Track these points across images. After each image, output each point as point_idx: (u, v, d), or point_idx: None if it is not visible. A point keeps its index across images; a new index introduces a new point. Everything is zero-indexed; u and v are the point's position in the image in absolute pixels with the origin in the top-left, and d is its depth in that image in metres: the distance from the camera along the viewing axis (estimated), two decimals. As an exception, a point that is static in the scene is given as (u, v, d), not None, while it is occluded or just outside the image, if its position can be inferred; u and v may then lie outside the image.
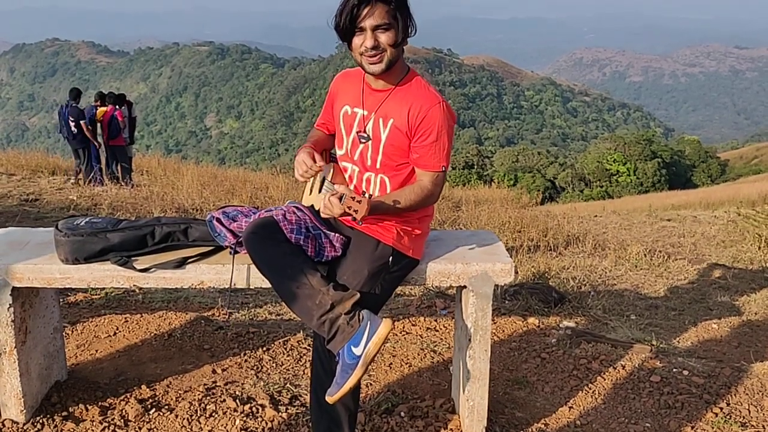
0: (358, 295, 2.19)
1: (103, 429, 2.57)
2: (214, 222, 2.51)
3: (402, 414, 2.75)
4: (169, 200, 8.72)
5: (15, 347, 2.49)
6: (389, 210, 2.23)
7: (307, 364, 3.21)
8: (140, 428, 2.59)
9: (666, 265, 6.44)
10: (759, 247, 7.40)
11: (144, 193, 9.45)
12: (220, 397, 2.81)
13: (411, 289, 4.65)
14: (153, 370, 3.07)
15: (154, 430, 2.59)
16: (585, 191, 44.99)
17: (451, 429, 2.68)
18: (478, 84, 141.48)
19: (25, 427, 2.54)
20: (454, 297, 3.26)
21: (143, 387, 2.89)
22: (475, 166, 47.90)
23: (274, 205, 8.11)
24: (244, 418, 2.66)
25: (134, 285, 2.47)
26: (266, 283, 2.32)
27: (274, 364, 3.21)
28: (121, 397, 2.80)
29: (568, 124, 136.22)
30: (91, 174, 10.92)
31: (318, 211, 2.30)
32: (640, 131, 71.18)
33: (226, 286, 2.45)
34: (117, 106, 11.35)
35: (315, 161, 2.26)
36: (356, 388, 2.29)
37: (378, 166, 2.32)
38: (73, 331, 3.45)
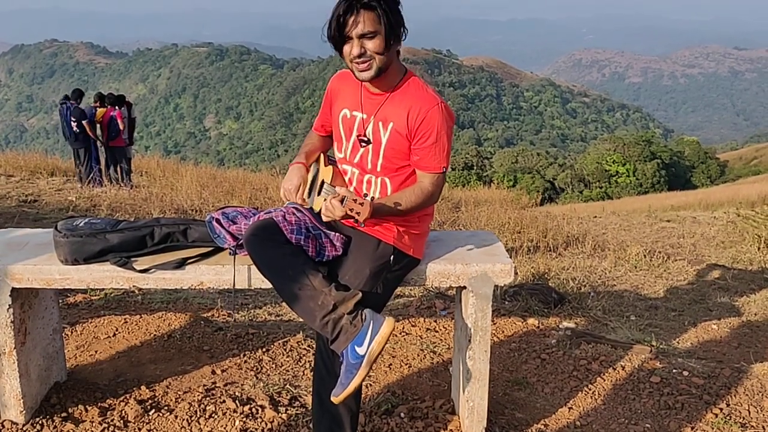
0: (360, 294, 2.19)
1: (103, 430, 2.56)
2: (214, 223, 2.51)
3: (402, 415, 2.75)
4: (168, 201, 8.72)
5: (14, 348, 2.48)
6: (391, 212, 2.23)
7: (307, 365, 3.20)
8: (140, 429, 2.59)
9: (665, 266, 6.44)
10: (758, 248, 7.41)
11: (143, 194, 9.45)
12: (219, 398, 2.81)
13: (411, 289, 4.64)
14: (152, 371, 3.07)
15: (154, 430, 2.59)
16: (584, 192, 45.01)
17: (450, 430, 2.68)
18: (478, 85, 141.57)
19: (24, 428, 2.54)
20: (454, 298, 3.26)
21: (143, 388, 2.88)
22: (475, 167, 47.90)
23: (274, 205, 8.11)
24: (244, 419, 2.66)
25: (134, 286, 2.46)
26: (266, 284, 2.31)
27: (273, 365, 3.20)
28: (121, 398, 2.79)
29: (567, 125, 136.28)
30: (91, 175, 10.91)
31: (318, 213, 2.30)
32: (640, 132, 71.24)
33: (226, 287, 2.45)
34: (116, 107, 11.35)
35: (300, 193, 2.33)
36: (358, 388, 2.29)
37: (379, 169, 2.32)
38: (72, 332, 3.45)
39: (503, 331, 3.79)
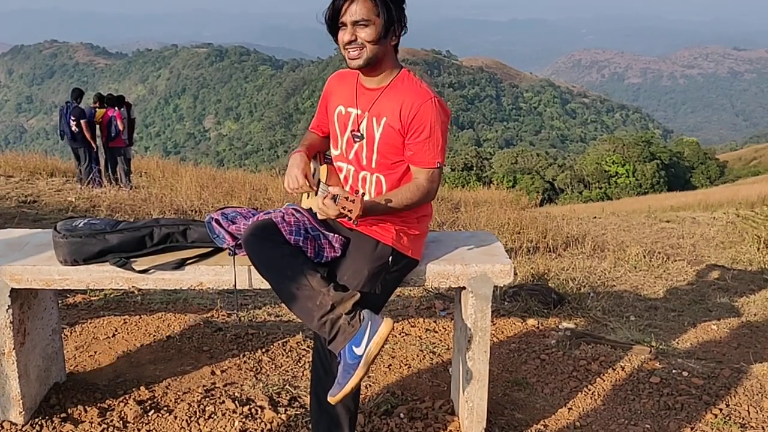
0: (359, 295, 2.18)
1: (102, 430, 2.56)
2: (213, 223, 2.51)
3: (401, 415, 2.75)
4: (168, 202, 8.71)
5: (13, 349, 2.48)
6: (386, 210, 2.23)
7: (306, 366, 3.20)
8: (139, 430, 2.59)
9: (665, 267, 6.44)
10: (758, 249, 7.41)
11: (143, 194, 9.44)
12: (219, 398, 2.81)
13: (410, 290, 4.64)
14: (152, 372, 3.07)
15: (153, 431, 2.59)
16: (584, 193, 45.03)
17: (450, 430, 2.68)
18: (477, 86, 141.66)
19: (23, 429, 2.54)
20: (454, 298, 3.26)
21: (142, 388, 2.88)
22: (474, 168, 47.94)
23: (273, 206, 8.10)
24: (243, 420, 2.65)
25: (133, 286, 2.46)
26: (266, 285, 2.31)
27: (273, 366, 3.20)
28: (120, 399, 2.79)
29: (566, 126, 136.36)
30: (90, 175, 10.91)
31: (316, 213, 2.30)
32: (639, 133, 71.28)
33: (225, 287, 2.45)
34: (116, 108, 11.35)
35: (307, 178, 2.29)
36: (357, 388, 2.29)
37: (373, 165, 2.32)
38: (71, 333, 3.45)
39: (503, 332, 3.79)
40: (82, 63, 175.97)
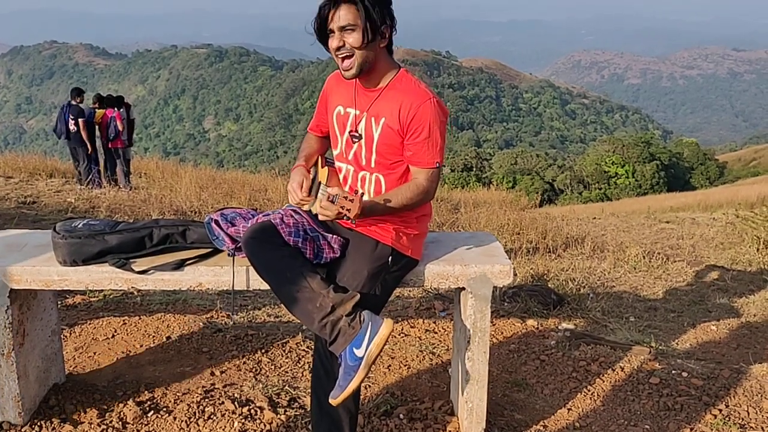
0: (358, 296, 2.18)
1: (101, 431, 2.56)
2: (212, 224, 2.51)
3: (401, 416, 2.75)
4: (168, 203, 8.71)
5: (13, 350, 2.48)
6: (386, 210, 2.23)
7: (306, 366, 3.20)
8: (138, 431, 2.58)
9: (665, 267, 6.44)
10: (757, 249, 7.41)
11: (142, 195, 9.45)
12: (218, 399, 2.81)
13: (410, 291, 4.64)
14: (151, 373, 3.06)
15: (153, 432, 2.59)
16: (584, 193, 45.03)
17: (449, 431, 2.68)
18: (477, 86, 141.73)
19: (22, 430, 2.54)
20: (453, 299, 3.26)
21: (141, 389, 2.88)
22: (474, 169, 47.94)
23: (273, 207, 8.09)
24: (243, 421, 2.65)
25: (132, 287, 2.46)
26: (265, 286, 2.31)
27: (272, 367, 3.20)
28: (119, 400, 2.79)
29: (566, 127, 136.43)
30: (90, 175, 10.90)
31: (316, 214, 2.30)
32: (639, 133, 71.28)
33: (225, 288, 2.45)
34: (115, 109, 11.34)
35: (307, 188, 2.32)
36: (357, 390, 2.29)
37: (372, 165, 2.33)
38: (71, 334, 3.44)
39: (502, 333, 3.79)
40: (82, 64, 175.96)
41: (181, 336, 3.46)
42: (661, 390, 3.11)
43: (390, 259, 2.32)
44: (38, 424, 2.57)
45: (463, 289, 2.51)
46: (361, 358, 2.08)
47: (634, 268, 6.43)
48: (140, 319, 3.65)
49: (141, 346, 3.34)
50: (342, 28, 2.15)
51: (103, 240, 2.48)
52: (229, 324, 3.70)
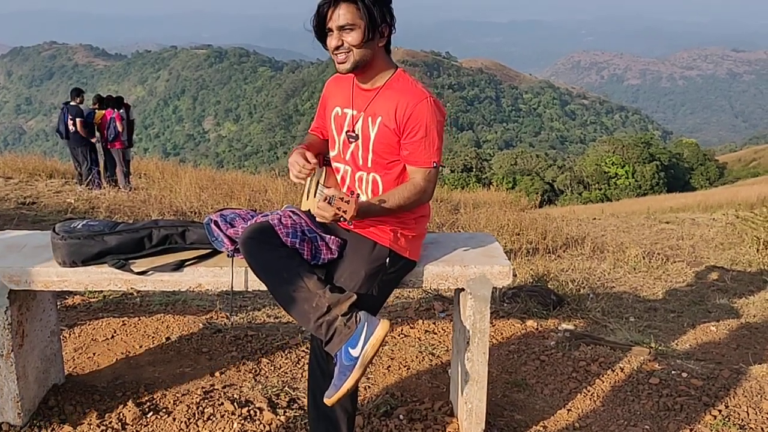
0: (355, 296, 2.18)
1: (101, 432, 2.56)
2: (212, 225, 2.51)
3: (400, 417, 2.75)
4: (167, 203, 8.71)
5: (12, 350, 2.48)
6: (383, 211, 2.22)
7: (305, 367, 3.20)
8: (138, 431, 2.59)
9: (664, 268, 6.44)
10: (757, 250, 7.40)
11: (142, 196, 9.45)
12: (218, 400, 2.80)
13: (409, 291, 4.64)
14: (151, 374, 3.06)
15: (152, 433, 2.59)
16: (583, 194, 45.02)
17: (449, 432, 2.68)
18: (477, 87, 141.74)
19: (22, 431, 2.54)
20: (453, 300, 3.26)
21: (141, 390, 2.88)
22: (474, 169, 47.94)
23: (272, 207, 8.09)
24: (242, 422, 2.65)
25: (132, 288, 2.46)
26: (265, 287, 2.31)
27: (272, 367, 3.20)
28: (119, 401, 2.79)
29: (566, 127, 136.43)
30: (90, 176, 10.90)
31: (315, 215, 2.30)
32: (638, 134, 71.22)
33: (224, 289, 2.45)
34: (115, 109, 11.34)
35: (308, 160, 2.28)
36: (354, 390, 2.29)
37: (369, 165, 2.33)
38: (70, 335, 3.44)
39: (502, 333, 3.79)
40: (82, 64, 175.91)
41: (181, 337, 3.46)
42: (660, 390, 3.11)
43: (388, 260, 2.32)
44: (37, 424, 2.57)
45: (463, 289, 2.51)
46: (357, 358, 2.08)
47: (634, 269, 6.43)
48: (140, 319, 3.65)
49: (140, 346, 3.34)
50: (341, 27, 2.15)
51: (103, 241, 2.48)
52: (228, 325, 3.70)
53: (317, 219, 2.15)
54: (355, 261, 2.30)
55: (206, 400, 2.80)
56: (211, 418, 2.68)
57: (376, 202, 2.22)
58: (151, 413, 2.70)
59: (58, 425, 2.59)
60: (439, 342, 3.61)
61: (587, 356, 3.45)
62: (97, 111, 11.40)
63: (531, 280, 5.50)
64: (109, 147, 11.39)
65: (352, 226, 2.29)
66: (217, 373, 3.10)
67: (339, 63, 2.22)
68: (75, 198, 8.85)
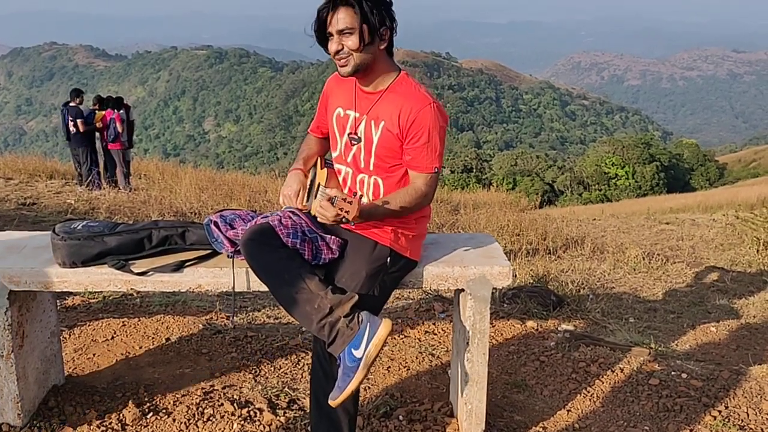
0: (357, 297, 2.18)
1: (101, 433, 2.56)
2: (212, 226, 2.51)
3: (400, 417, 2.75)
4: (167, 204, 8.72)
5: (12, 351, 2.48)
6: (384, 212, 2.23)
7: (306, 368, 3.20)
8: (138, 432, 2.58)
9: (664, 269, 6.44)
10: (757, 250, 7.41)
11: (142, 197, 9.45)
12: (218, 401, 2.81)
13: (409, 292, 4.64)
14: (151, 375, 3.06)
15: (152, 434, 2.59)
16: (584, 195, 45.02)
17: (449, 432, 2.67)
18: (477, 88, 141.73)
19: (22, 432, 2.54)
20: (453, 300, 3.26)
21: (141, 391, 2.88)
22: (474, 170, 47.94)
23: (273, 208, 8.09)
24: (242, 422, 2.65)
25: (132, 289, 2.46)
26: (265, 287, 2.31)
27: (272, 368, 3.20)
28: (119, 402, 2.79)
29: (566, 128, 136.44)
30: (90, 176, 10.91)
31: (315, 216, 2.30)
32: (639, 135, 71.16)
33: (224, 290, 2.45)
34: (115, 110, 11.35)
35: (300, 198, 2.34)
36: (356, 391, 2.29)
37: (371, 168, 2.33)
38: (70, 335, 3.44)
39: (502, 334, 3.79)
40: (82, 65, 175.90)
41: (181, 337, 3.46)
42: (660, 391, 3.11)
43: (388, 260, 2.32)
44: (37, 425, 2.57)
45: (463, 290, 2.51)
46: (360, 359, 2.08)
47: (634, 270, 6.43)
48: (140, 320, 3.65)
49: (140, 347, 3.34)
50: (341, 32, 2.15)
51: (103, 241, 2.48)
52: (228, 326, 3.70)
53: (318, 219, 2.16)
54: (356, 261, 2.30)
55: (206, 401, 2.80)
56: (210, 418, 2.68)
57: (378, 204, 2.22)
58: (151, 414, 2.70)
59: (58, 426, 2.59)
60: (439, 343, 3.61)
61: (587, 357, 3.45)
62: (97, 112, 11.41)
63: (531, 281, 5.50)
64: (109, 148, 11.39)
65: (354, 226, 2.29)
66: (217, 374, 3.10)
67: (340, 66, 2.22)
68: (75, 199, 8.85)
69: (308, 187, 2.51)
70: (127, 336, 3.46)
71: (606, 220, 11.67)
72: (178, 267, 2.44)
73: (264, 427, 2.64)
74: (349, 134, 2.34)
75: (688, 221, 10.69)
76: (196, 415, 2.69)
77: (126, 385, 2.95)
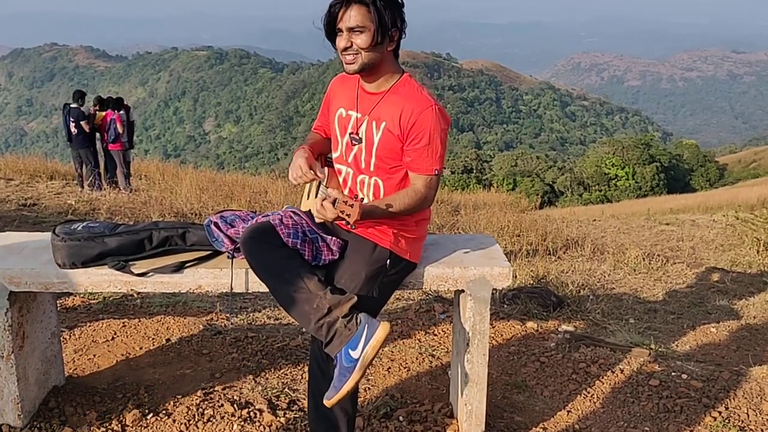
0: (356, 298, 2.19)
1: (101, 434, 2.56)
2: (212, 227, 2.51)
3: (400, 418, 2.75)
4: (168, 205, 8.72)
5: (12, 352, 2.48)
6: (383, 214, 2.23)
7: (306, 369, 3.20)
8: (138, 433, 2.58)
9: (664, 269, 6.44)
10: (757, 251, 7.41)
11: (142, 197, 9.46)
12: (218, 401, 2.81)
13: (409, 293, 4.64)
14: (151, 375, 3.06)
15: (152, 435, 2.59)
16: (584, 195, 45.01)
17: (449, 433, 2.68)
18: (477, 88, 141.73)
19: (22, 433, 2.54)
20: (453, 301, 3.26)
21: (141, 392, 2.88)
22: (474, 171, 47.91)
23: (273, 209, 8.10)
24: (242, 423, 2.65)
25: (132, 289, 2.46)
26: (265, 288, 2.31)
27: (272, 369, 3.20)
28: (119, 402, 2.79)
29: (566, 129, 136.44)
30: (90, 177, 10.91)
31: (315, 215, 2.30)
32: (639, 135, 71.10)
33: (224, 291, 2.45)
34: (115, 111, 11.35)
35: (310, 168, 2.27)
36: (354, 391, 2.29)
37: (372, 168, 2.33)
38: (70, 336, 3.44)
39: (502, 335, 3.79)
40: (82, 66, 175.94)
41: (181, 338, 3.46)
42: (660, 392, 3.11)
43: (388, 262, 2.32)
44: (37, 426, 2.57)
45: (463, 291, 2.51)
46: (357, 360, 2.08)
47: (634, 270, 6.43)
48: (140, 321, 3.65)
49: (140, 348, 3.34)
50: (351, 29, 2.14)
51: (103, 242, 2.48)
52: (228, 326, 3.70)
53: (317, 219, 2.16)
54: (355, 262, 2.30)
55: (206, 402, 2.80)
56: (211, 419, 2.68)
57: (383, 206, 2.22)
58: (151, 415, 2.70)
59: (58, 427, 2.59)
60: (439, 343, 3.61)
61: (587, 358, 3.45)
62: (97, 113, 11.41)
63: (531, 282, 5.50)
64: (109, 148, 11.39)
65: (354, 229, 2.29)
66: (217, 375, 3.11)
67: (347, 63, 2.21)
68: (75, 199, 8.86)
69: (309, 186, 2.51)
70: (127, 337, 3.46)
71: (606, 220, 11.67)
72: (179, 268, 2.44)
73: (264, 428, 2.64)
74: (350, 134, 2.34)
75: (688, 222, 10.69)
76: (197, 416, 2.69)
77: (126, 385, 2.95)
